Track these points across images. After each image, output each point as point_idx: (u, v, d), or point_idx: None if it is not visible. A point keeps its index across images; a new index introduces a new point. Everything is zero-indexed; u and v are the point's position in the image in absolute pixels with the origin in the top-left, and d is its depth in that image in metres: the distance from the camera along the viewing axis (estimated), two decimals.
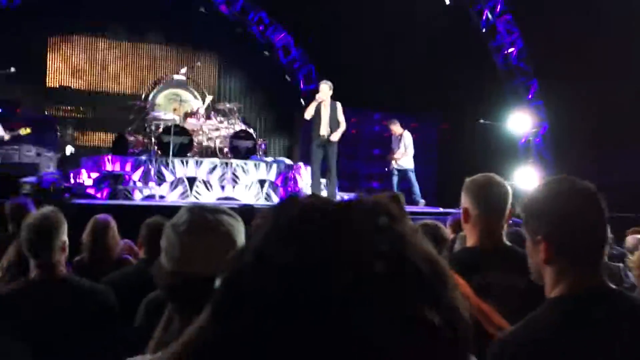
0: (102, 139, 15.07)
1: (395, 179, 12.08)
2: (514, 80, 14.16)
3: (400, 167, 12.00)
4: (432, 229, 4.12)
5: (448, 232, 5.58)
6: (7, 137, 9.73)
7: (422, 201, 11.65)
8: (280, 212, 0.69)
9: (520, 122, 13.28)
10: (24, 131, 9.90)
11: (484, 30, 14.12)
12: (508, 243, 2.68)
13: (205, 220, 1.56)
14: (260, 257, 0.65)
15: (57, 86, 14.97)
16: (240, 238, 1.58)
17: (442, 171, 13.86)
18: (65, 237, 3.05)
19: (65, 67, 15.11)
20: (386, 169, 12.46)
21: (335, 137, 10.09)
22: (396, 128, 12.16)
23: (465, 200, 2.70)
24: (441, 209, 10.51)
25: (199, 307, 1.03)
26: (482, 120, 12.40)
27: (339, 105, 10.24)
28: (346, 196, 11.95)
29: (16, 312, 2.88)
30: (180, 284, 1.52)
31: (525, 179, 12.37)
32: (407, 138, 12.03)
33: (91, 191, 10.15)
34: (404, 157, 11.95)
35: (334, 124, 10.11)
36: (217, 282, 0.99)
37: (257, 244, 0.67)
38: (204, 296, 0.99)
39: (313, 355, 0.61)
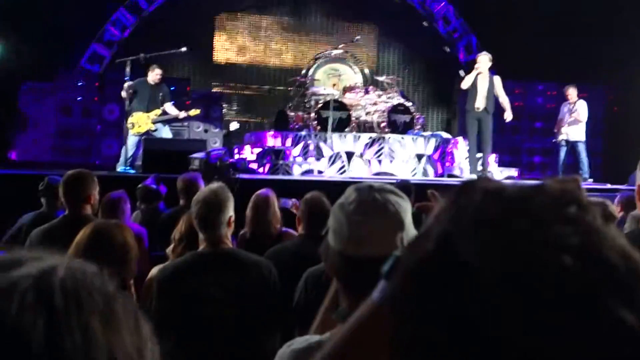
0: (265, 114, 15.58)
1: (562, 152, 11.35)
2: None
3: (569, 138, 11.25)
4: (598, 207, 3.89)
5: (616, 210, 5.30)
6: (182, 115, 10.31)
7: (589, 179, 11.00)
8: (461, 198, 0.67)
9: None
10: (194, 112, 10.42)
11: None
12: None
13: (374, 200, 1.55)
14: (443, 246, 0.63)
15: (223, 63, 15.62)
16: (408, 218, 1.57)
17: (610, 145, 13.05)
18: (231, 212, 3.19)
19: (231, 44, 15.73)
20: (553, 140, 11.70)
21: (509, 115, 9.97)
22: (573, 93, 11.35)
23: None
24: (609, 186, 9.94)
25: (366, 288, 1.03)
26: None
27: (497, 79, 9.96)
28: (506, 171, 11.67)
29: (185, 284, 3.06)
30: (349, 265, 1.52)
31: None
32: (582, 106, 11.21)
33: (254, 166, 10.58)
34: (575, 126, 11.21)
35: (490, 97, 9.84)
36: (387, 266, 0.98)
37: (439, 231, 0.65)
38: (373, 278, 0.99)
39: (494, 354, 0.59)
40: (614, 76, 12.80)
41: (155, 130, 10.13)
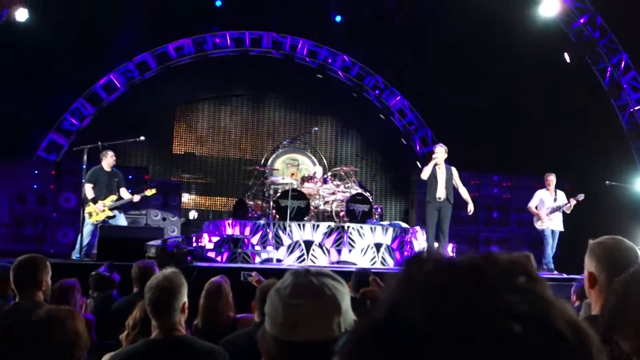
0: (224, 203, 15.58)
1: (550, 239, 11.00)
2: None
3: (554, 227, 11.08)
4: None
5: (572, 299, 5.33)
6: (136, 199, 10.24)
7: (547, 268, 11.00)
8: (412, 268, 0.68)
9: None
10: (150, 192, 10.41)
11: (607, 88, 13.67)
12: None
13: (309, 284, 1.52)
14: (394, 314, 0.64)
15: (183, 152, 15.70)
16: (345, 302, 1.53)
17: (565, 235, 13.29)
18: (185, 299, 3.13)
19: (190, 134, 15.86)
20: (540, 229, 11.23)
21: (471, 208, 10.17)
22: (554, 180, 11.22)
23: (590, 264, 2.54)
24: (565, 275, 10.04)
25: None
26: (609, 182, 11.57)
27: (454, 169, 10.18)
28: None
29: None
30: (283, 350, 1.48)
31: None
32: (564, 195, 11.16)
33: (212, 254, 10.46)
34: (559, 215, 11.12)
35: (450, 187, 10.03)
36: (341, 342, 0.98)
37: (390, 300, 0.66)
38: None
39: None
40: (565, 167, 13.16)
41: (114, 216, 10.02)
